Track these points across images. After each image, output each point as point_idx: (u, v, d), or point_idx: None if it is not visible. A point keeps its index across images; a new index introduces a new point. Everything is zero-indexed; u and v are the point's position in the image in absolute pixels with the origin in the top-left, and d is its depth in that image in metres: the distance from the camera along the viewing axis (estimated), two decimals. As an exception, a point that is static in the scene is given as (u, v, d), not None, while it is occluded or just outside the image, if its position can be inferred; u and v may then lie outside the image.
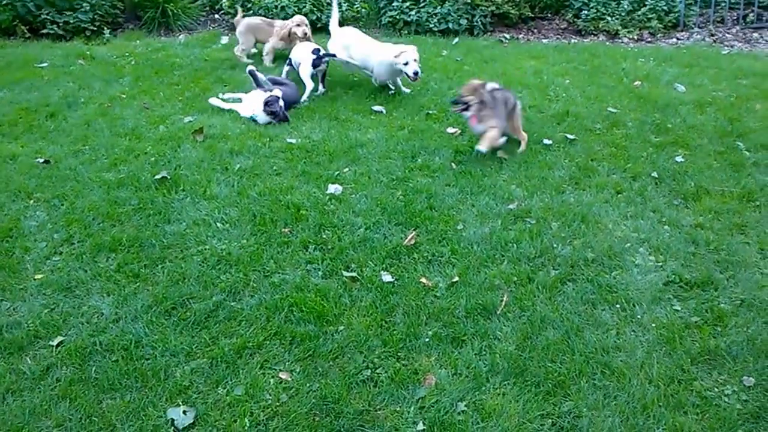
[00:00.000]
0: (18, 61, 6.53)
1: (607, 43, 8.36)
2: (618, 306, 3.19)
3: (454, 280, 3.36)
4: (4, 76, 6.03)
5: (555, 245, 3.67)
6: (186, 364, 2.78)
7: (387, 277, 3.37)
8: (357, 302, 3.19)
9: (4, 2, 7.40)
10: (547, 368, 2.80)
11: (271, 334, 2.95)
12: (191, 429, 2.49)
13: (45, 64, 6.44)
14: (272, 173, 4.43)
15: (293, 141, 4.93)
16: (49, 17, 7.43)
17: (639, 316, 3.12)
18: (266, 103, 5.19)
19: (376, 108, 5.65)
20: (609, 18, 8.63)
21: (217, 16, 8.66)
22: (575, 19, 8.89)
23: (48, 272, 3.35)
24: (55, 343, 2.88)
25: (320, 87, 6.05)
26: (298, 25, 6.52)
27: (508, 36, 8.45)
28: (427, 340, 2.95)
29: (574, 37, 8.66)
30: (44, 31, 7.41)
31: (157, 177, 4.23)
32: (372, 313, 3.11)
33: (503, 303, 3.20)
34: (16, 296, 3.17)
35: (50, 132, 4.92)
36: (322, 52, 5.94)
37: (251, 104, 5.34)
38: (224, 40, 7.75)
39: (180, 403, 2.58)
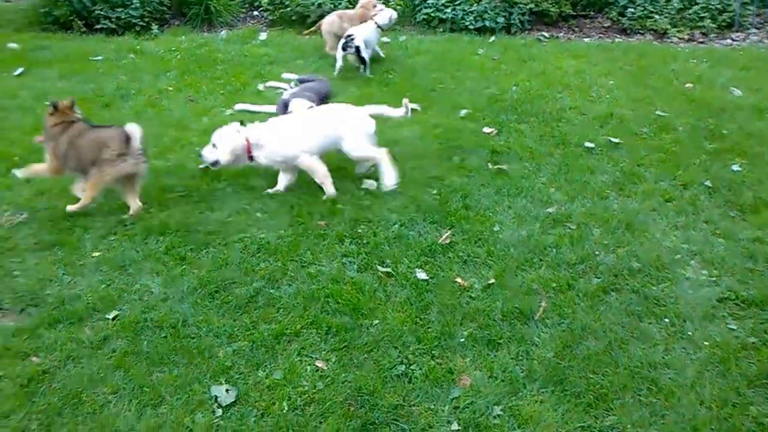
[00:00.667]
0: (75, 54, 6.87)
1: (655, 42, 8.09)
2: (666, 320, 3.14)
3: (490, 281, 3.40)
4: (63, 67, 6.36)
5: (597, 252, 3.65)
6: (228, 345, 2.98)
7: (422, 275, 3.47)
8: (392, 297, 3.31)
9: (63, -3, 7.76)
10: (589, 379, 2.80)
11: (307, 322, 3.12)
12: (233, 407, 2.67)
13: (99, 58, 6.77)
14: (310, 168, 4.60)
15: (330, 137, 5.09)
16: (102, 13, 7.78)
17: (690, 333, 3.05)
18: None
19: (412, 105, 5.76)
20: (657, 16, 8.38)
21: (256, 12, 8.91)
22: (620, 17, 8.62)
23: (104, 251, 3.60)
24: (111, 316, 3.12)
25: (364, 70, 6.41)
26: (374, 5, 6.77)
27: (547, 34, 8.32)
28: (462, 340, 3.02)
29: (618, 36, 8.42)
30: (98, 26, 7.77)
31: (201, 166, 4.47)
32: (406, 310, 3.22)
33: (542, 309, 3.21)
34: (77, 271, 3.43)
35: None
36: (355, 41, 6.30)
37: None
38: (263, 36, 7.99)
39: (223, 381, 2.78)
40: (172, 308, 3.18)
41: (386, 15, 6.64)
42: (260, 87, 5.98)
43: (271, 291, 3.33)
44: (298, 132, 4.20)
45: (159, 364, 2.86)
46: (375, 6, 6.81)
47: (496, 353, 2.94)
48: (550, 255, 3.63)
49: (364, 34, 6.52)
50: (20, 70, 6.26)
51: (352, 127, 4.29)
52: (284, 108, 5.05)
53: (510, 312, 3.18)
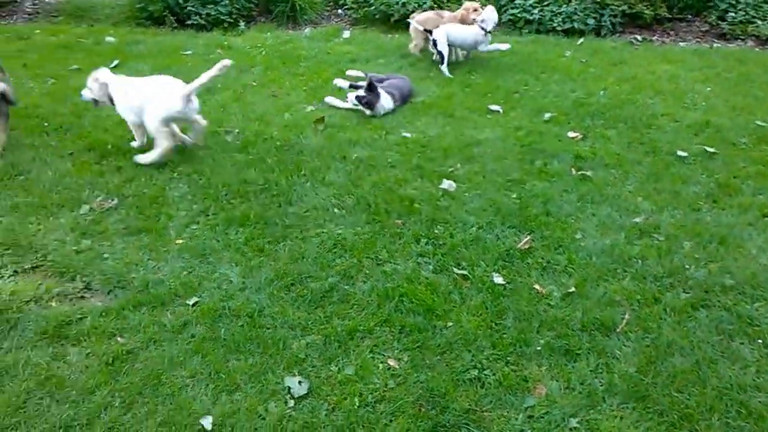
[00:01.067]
0: (167, 48, 7.17)
1: (757, 49, 7.64)
2: (760, 341, 2.98)
3: (570, 290, 3.31)
4: (155, 61, 6.65)
5: (687, 266, 3.48)
6: (302, 338, 3.01)
7: (498, 279, 3.41)
8: (467, 300, 3.26)
9: (158, -6, 8.13)
10: (673, 398, 2.68)
11: (381, 320, 3.11)
12: (305, 399, 2.70)
13: (189, 52, 7.03)
14: (387, 165, 4.60)
15: (408, 135, 5.08)
16: (194, 9, 8.08)
17: (786, 356, 2.86)
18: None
19: (493, 107, 5.67)
20: (760, 22, 7.89)
21: (340, 11, 9.00)
22: (719, 22, 8.15)
23: (187, 239, 3.72)
24: (191, 302, 3.21)
25: (441, 62, 6.44)
26: (475, 9, 6.73)
27: (639, 38, 7.99)
28: (538, 348, 2.95)
29: (716, 41, 7.98)
30: (189, 21, 8.07)
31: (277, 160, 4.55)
32: (481, 314, 3.17)
33: (624, 321, 3.10)
34: (161, 257, 3.56)
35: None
36: (433, 34, 6.52)
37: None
38: (346, 34, 8.05)
39: (296, 373, 2.81)
40: (249, 298, 3.24)
41: (491, 20, 6.54)
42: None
43: (346, 287, 3.33)
44: (128, 94, 4.53)
45: (235, 351, 2.92)
46: (476, 10, 6.73)
47: (574, 364, 2.86)
48: (636, 266, 3.49)
49: (449, 31, 6.48)
50: (116, 62, 6.58)
51: (155, 103, 4.41)
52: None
53: (590, 323, 3.08)
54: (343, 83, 6.02)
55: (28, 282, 3.32)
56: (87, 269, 3.43)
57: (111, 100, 4.66)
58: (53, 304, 3.19)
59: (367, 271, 3.46)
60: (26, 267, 3.43)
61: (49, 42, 7.39)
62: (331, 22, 8.69)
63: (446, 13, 7.08)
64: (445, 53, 6.44)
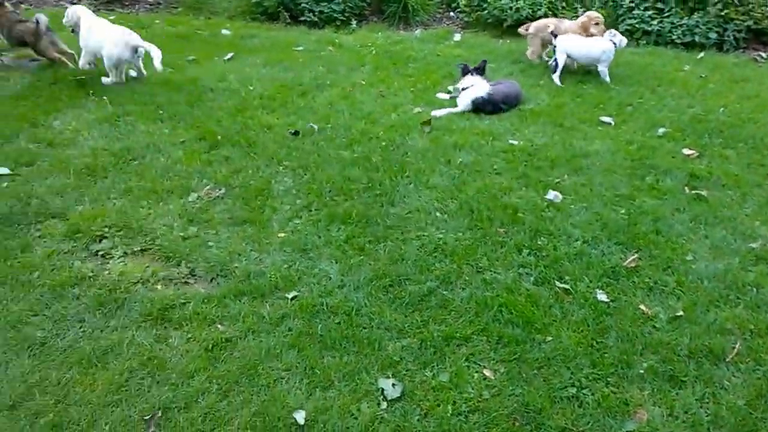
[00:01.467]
0: (280, 43, 7.39)
1: None
2: None
3: (678, 314, 3.12)
4: (268, 55, 6.86)
5: None
6: (398, 340, 2.96)
7: (602, 296, 3.24)
8: (568, 316, 3.12)
9: (272, -10, 8.41)
10: None
11: (478, 329, 3.02)
12: (398, 402, 2.65)
13: (301, 48, 7.20)
14: (492, 172, 4.47)
15: (515, 142, 4.92)
16: (307, 6, 8.30)
17: None
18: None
19: (605, 119, 5.39)
20: None
21: (452, 14, 8.92)
22: None
23: (289, 233, 3.77)
24: (290, 296, 3.24)
25: (555, 70, 6.25)
26: (597, 23, 6.50)
27: (764, 54, 7.40)
28: (641, 371, 2.79)
29: None
30: (302, 18, 8.29)
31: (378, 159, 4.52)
32: (582, 331, 3.02)
33: (735, 351, 2.89)
34: (263, 249, 3.62)
35: (300, 108, 5.50)
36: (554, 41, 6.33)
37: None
38: (457, 37, 7.96)
39: (390, 375, 2.76)
40: (348, 296, 3.23)
41: (624, 40, 6.27)
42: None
43: (444, 292, 3.25)
44: (90, 32, 5.78)
45: (331, 348, 2.91)
46: (597, 24, 6.46)
47: (679, 391, 2.70)
48: (750, 294, 3.27)
49: (575, 42, 6.24)
50: (230, 55, 6.85)
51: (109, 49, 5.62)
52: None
53: (698, 349, 2.90)
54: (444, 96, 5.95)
55: (137, 264, 3.47)
56: (192, 255, 3.55)
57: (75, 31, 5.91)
58: (158, 287, 3.32)
59: (467, 278, 3.36)
60: (135, 249, 3.60)
61: (168, 32, 7.79)
62: (442, 25, 8.63)
63: (567, 21, 6.82)
64: (561, 63, 6.19)
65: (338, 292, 3.27)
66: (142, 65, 5.97)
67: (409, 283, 3.32)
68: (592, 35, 6.41)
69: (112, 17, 8.27)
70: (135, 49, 5.72)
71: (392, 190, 4.19)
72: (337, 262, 3.50)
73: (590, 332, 3.01)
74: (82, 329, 3.00)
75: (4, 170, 4.23)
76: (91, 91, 5.53)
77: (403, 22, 8.51)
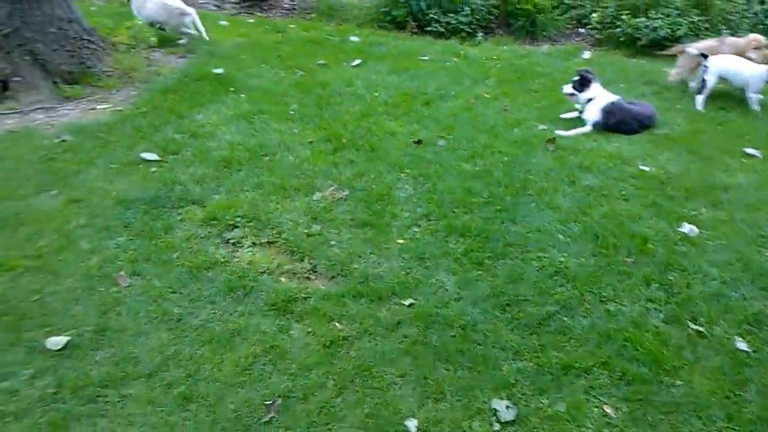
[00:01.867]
0: (406, 51, 7.51)
1: None
2: None
3: None
4: (394, 63, 6.99)
5: None
6: (513, 361, 2.89)
7: (741, 345, 3.00)
8: (701, 361, 2.90)
9: (403, 0, 8.57)
10: None
11: (600, 362, 2.88)
12: (511, 425, 2.59)
13: (426, 58, 7.27)
14: (620, 197, 4.27)
15: (646, 168, 4.67)
16: (435, 17, 8.39)
17: None
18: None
19: (750, 150, 5.00)
20: None
21: (582, 30, 8.66)
22: None
23: (408, 240, 3.80)
24: (406, 303, 3.27)
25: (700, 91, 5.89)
26: (757, 47, 6.13)
27: None
28: None
29: None
30: (429, 28, 8.39)
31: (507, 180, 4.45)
32: (718, 379, 2.80)
33: None
34: (382, 253, 3.68)
35: (424, 117, 5.55)
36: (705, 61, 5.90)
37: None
38: (586, 54, 7.72)
39: (504, 397, 2.71)
40: (464, 310, 3.21)
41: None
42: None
43: (564, 318, 3.15)
44: None
45: (445, 360, 2.90)
46: (758, 48, 6.03)
47: None
48: None
49: (730, 63, 5.84)
50: (357, 61, 7.04)
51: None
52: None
53: None
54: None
55: (264, 255, 3.64)
56: (315, 252, 3.67)
57: None
58: (282, 279, 3.46)
59: (589, 306, 3.23)
60: (263, 241, 3.77)
61: (301, 36, 8.14)
62: (571, 41, 8.40)
63: (729, 39, 6.38)
64: (710, 85, 5.81)
65: (454, 304, 3.26)
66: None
67: (527, 304, 3.25)
68: (749, 59, 5.96)
69: (251, 20, 8.81)
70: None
71: (513, 207, 4.12)
72: (454, 275, 3.48)
73: (727, 382, 2.79)
74: (213, 311, 3.19)
75: (154, 156, 4.61)
76: (231, 89, 5.89)
77: (530, 36, 8.37)
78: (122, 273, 3.40)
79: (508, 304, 3.25)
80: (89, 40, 5.94)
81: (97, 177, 4.32)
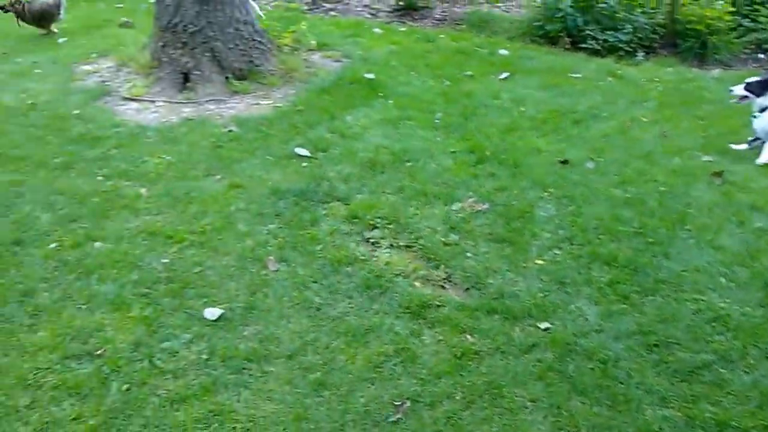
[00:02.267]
0: (557, 68, 7.28)
1: None
2: None
3: None
4: (543, 78, 6.80)
5: None
6: (659, 408, 2.68)
7: None
8: None
9: (559, 15, 8.33)
10: None
11: (761, 424, 2.59)
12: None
13: (578, 75, 7.01)
14: (796, 245, 3.83)
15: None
16: (591, 33, 8.06)
17: None
18: None
19: None
20: None
21: (762, 55, 7.90)
22: None
23: (548, 261, 3.67)
24: (542, 326, 3.15)
25: None
26: None
27: None
28: None
29: None
30: (583, 45, 8.08)
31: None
32: None
33: None
34: (519, 271, 3.59)
35: (572, 137, 5.35)
36: None
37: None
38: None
39: (654, 443, 2.53)
40: (605, 343, 3.03)
41: None
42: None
43: (722, 370, 2.87)
44: None
45: (580, 393, 2.76)
46: None
47: None
48: None
49: None
50: (505, 74, 6.94)
51: None
52: None
53: None
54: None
55: (401, 258, 3.68)
56: (451, 262, 3.66)
57: None
58: (417, 284, 3.48)
59: (752, 361, 2.92)
60: (401, 244, 3.81)
61: (450, 47, 8.16)
62: (747, 67, 7.70)
63: None
64: None
65: (595, 336, 3.09)
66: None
67: (678, 348, 3.00)
68: None
69: (402, 29, 9.01)
70: None
71: (668, 241, 3.83)
72: (596, 304, 3.31)
73: None
74: (350, 305, 3.28)
75: (306, 152, 4.85)
76: (380, 94, 6.06)
77: (699, 59, 7.77)
78: (271, 258, 3.61)
79: (656, 345, 3.02)
80: (260, 41, 6.39)
81: (256, 166, 4.63)
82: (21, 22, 7.88)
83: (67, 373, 2.82)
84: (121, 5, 9.57)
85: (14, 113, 5.52)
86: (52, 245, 3.69)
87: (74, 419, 2.61)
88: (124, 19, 8.47)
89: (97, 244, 3.71)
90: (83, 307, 3.23)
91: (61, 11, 7.96)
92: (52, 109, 5.59)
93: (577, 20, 8.23)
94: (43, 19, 7.89)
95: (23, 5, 7.77)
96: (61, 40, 7.73)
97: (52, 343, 2.98)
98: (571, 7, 8.24)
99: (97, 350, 2.95)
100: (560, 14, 8.32)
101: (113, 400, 2.69)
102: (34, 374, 2.81)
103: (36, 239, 3.75)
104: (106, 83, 6.24)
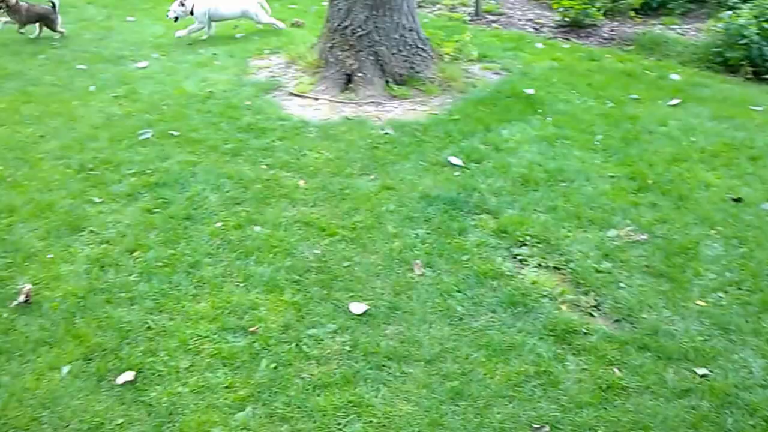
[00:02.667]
0: (734, 98, 6.71)
1: None
2: None
3: None
4: (717, 108, 6.30)
5: None
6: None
7: None
8: None
9: (742, 42, 7.66)
10: None
11: None
12: None
13: (760, 108, 6.40)
14: None
15: None
16: (778, 63, 7.35)
17: None
18: None
19: None
20: None
21: None
22: None
23: (711, 304, 3.41)
24: (700, 372, 2.94)
25: None
26: None
27: None
28: None
29: None
30: (766, 76, 7.37)
31: None
32: None
33: None
34: (677, 310, 3.37)
35: (747, 174, 4.91)
36: None
37: None
38: None
39: None
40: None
41: None
42: None
43: None
44: None
45: (741, 452, 2.54)
46: None
47: None
48: None
49: None
50: (675, 101, 6.51)
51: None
52: None
53: None
54: None
55: (548, 278, 3.60)
56: (602, 290, 3.52)
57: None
58: (563, 307, 3.39)
59: None
60: (549, 264, 3.73)
61: (616, 67, 7.81)
62: None
63: None
64: None
65: (759, 391, 2.83)
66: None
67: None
68: None
69: (565, 45, 8.79)
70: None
71: None
72: (763, 357, 3.02)
73: None
74: (492, 319, 3.27)
75: (459, 161, 4.91)
76: (538, 110, 5.97)
77: None
78: (418, 261, 3.69)
79: None
80: (422, 49, 6.56)
81: (408, 170, 4.76)
82: (17, 25, 8.16)
83: (223, 344, 3.09)
84: (295, 6, 10.27)
85: (195, 100, 6.13)
86: (218, 224, 4.06)
87: (226, 387, 2.85)
88: (296, 19, 9.09)
89: (257, 228, 4.02)
90: (241, 285, 3.52)
91: (57, 16, 8.20)
92: (227, 99, 6.13)
93: (763, 49, 7.54)
94: (42, 20, 8.19)
95: (18, 3, 7.85)
96: (238, 35, 8.45)
97: (212, 314, 3.28)
98: (757, 34, 7.56)
99: (251, 326, 3.20)
100: (744, 41, 7.66)
101: (261, 376, 2.91)
102: (195, 340, 3.12)
103: (204, 217, 4.15)
104: (276, 78, 6.73)
